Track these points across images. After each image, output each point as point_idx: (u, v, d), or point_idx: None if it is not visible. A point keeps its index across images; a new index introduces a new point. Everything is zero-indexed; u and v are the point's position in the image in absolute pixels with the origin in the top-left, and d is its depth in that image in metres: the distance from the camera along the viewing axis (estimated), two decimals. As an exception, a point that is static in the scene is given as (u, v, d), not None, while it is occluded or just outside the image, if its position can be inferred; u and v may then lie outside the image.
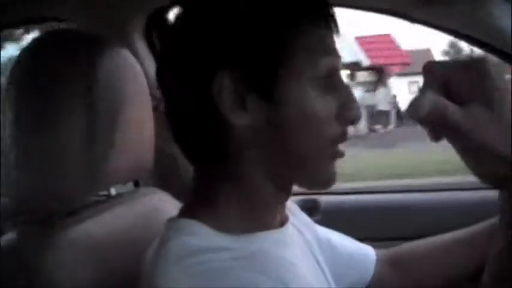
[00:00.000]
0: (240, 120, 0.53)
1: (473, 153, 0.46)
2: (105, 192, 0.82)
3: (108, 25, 1.13)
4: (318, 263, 0.69)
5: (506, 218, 0.47)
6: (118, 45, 0.72)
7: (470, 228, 0.79)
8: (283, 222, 0.63)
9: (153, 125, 0.77)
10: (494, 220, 0.77)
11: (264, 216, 0.59)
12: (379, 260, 0.81)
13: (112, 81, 0.67)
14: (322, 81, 0.54)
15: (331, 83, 0.55)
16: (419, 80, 0.47)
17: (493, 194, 0.48)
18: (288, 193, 0.61)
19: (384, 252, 0.84)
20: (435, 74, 0.47)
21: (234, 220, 0.56)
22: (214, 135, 0.55)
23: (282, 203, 0.62)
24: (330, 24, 0.56)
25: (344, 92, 0.57)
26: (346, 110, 0.56)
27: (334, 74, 0.56)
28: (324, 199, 1.38)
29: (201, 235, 0.53)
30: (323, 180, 0.59)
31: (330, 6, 0.56)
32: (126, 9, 1.14)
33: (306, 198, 1.38)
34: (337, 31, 0.57)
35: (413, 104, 0.46)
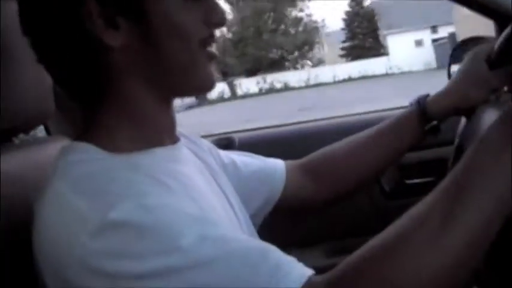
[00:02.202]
0: (114, 40, 0.55)
1: None
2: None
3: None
4: (219, 186, 0.70)
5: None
6: None
7: (378, 127, 0.86)
8: (175, 141, 0.65)
9: None
10: (400, 115, 0.84)
11: (152, 134, 0.61)
12: (290, 171, 0.84)
13: None
14: None
15: None
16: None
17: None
18: (170, 108, 0.63)
19: (294, 162, 0.87)
20: None
21: (122, 140, 0.58)
22: (93, 62, 0.56)
23: (168, 119, 0.64)
24: None
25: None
26: (212, 15, 0.60)
27: None
28: (238, 136, 1.42)
29: (89, 152, 0.55)
30: (203, 82, 0.62)
31: None
32: None
33: (220, 137, 1.40)
34: None
35: None
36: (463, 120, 0.92)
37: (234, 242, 0.49)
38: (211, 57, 0.62)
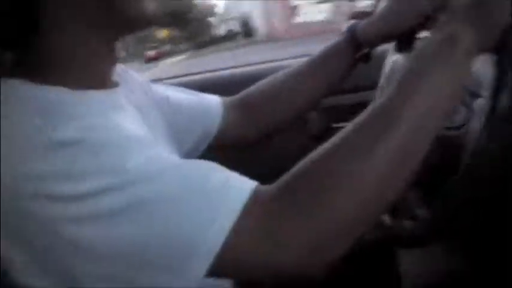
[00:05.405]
0: None
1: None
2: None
3: None
4: (150, 129, 0.63)
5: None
6: None
7: (310, 58, 0.84)
8: (112, 85, 0.60)
9: None
10: (331, 44, 0.83)
11: (91, 74, 0.56)
12: (226, 107, 0.83)
13: None
14: None
15: None
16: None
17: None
18: (112, 48, 0.59)
19: (231, 98, 0.86)
20: None
21: (57, 80, 0.51)
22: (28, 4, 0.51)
23: (109, 59, 0.59)
24: None
25: None
26: None
27: None
28: (178, 81, 1.42)
29: (24, 84, 0.50)
30: (142, 12, 0.56)
31: None
32: None
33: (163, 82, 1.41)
34: None
35: None
36: (388, 62, 0.97)
37: (180, 159, 0.50)
38: None
